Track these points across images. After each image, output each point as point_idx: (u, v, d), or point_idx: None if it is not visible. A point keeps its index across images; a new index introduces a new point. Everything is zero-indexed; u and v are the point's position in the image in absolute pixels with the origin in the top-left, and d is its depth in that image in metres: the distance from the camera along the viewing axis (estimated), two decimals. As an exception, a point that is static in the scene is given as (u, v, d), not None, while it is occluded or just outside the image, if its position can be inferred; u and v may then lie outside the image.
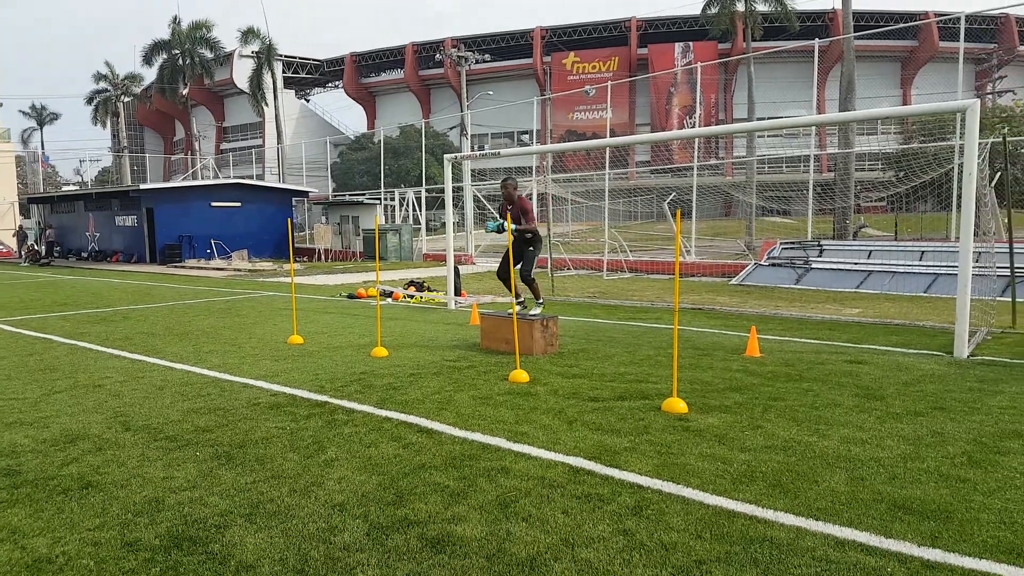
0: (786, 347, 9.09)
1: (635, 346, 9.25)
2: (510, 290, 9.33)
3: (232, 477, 4.66)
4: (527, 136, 61.98)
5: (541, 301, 9.26)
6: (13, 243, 39.59)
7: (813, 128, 27.73)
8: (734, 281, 17.90)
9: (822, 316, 11.89)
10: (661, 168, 39.75)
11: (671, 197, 25.70)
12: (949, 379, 7.19)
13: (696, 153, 25.38)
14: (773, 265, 18.01)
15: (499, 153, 14.92)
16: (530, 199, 30.22)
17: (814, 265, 17.31)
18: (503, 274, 9.42)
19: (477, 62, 50.87)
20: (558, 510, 4.02)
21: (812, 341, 9.55)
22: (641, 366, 7.93)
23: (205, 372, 7.95)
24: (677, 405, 5.99)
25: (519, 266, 9.33)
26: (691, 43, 58.76)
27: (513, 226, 8.96)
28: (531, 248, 9.27)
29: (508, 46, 64.33)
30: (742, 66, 48.42)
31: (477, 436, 5.40)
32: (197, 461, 4.97)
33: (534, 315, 8.71)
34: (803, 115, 37.82)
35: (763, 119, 30.88)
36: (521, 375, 7.22)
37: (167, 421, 5.98)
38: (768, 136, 42.26)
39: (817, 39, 26.42)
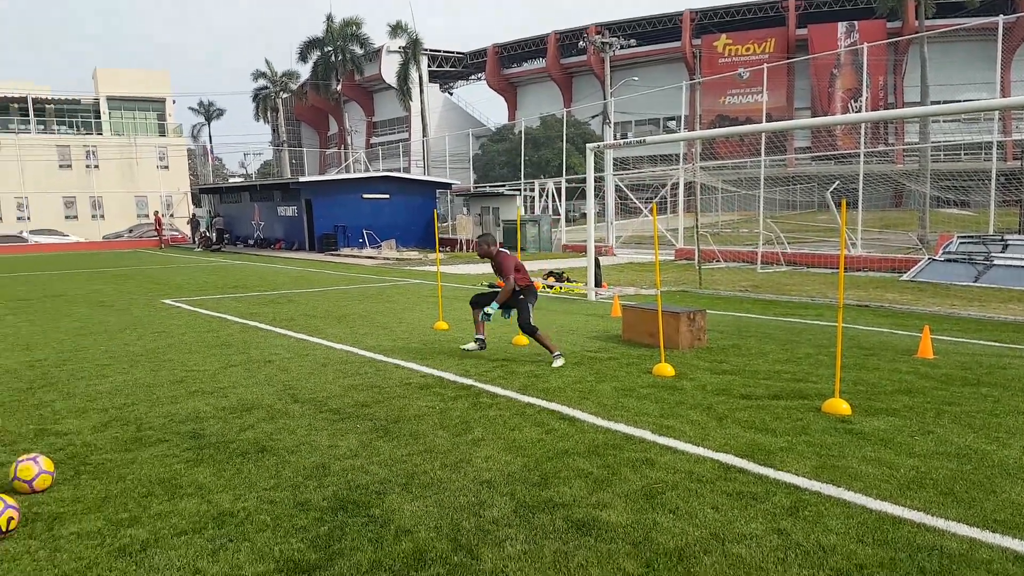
0: (963, 349, 8.36)
1: (793, 343, 8.83)
2: (475, 321, 8.34)
3: (389, 449, 4.93)
4: (673, 122, 60.59)
5: (558, 354, 7.71)
6: (187, 230, 43.37)
7: (996, 113, 25.23)
8: (905, 277, 16.65)
9: (1004, 317, 10.84)
10: (823, 155, 37.61)
11: (834, 186, 24.21)
12: None
13: (862, 139, 23.82)
14: (949, 260, 16.59)
15: (644, 141, 14.71)
16: (671, 201, 29.66)
17: (996, 262, 15.79)
18: (475, 302, 8.46)
19: (622, 47, 50.21)
20: (707, 505, 3.96)
21: (993, 344, 8.74)
22: (799, 364, 7.57)
23: (362, 352, 8.42)
24: (839, 406, 5.69)
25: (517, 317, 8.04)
26: (856, 22, 55.08)
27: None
28: (522, 297, 8.07)
29: (655, 30, 62.98)
30: (914, 46, 44.92)
31: (620, 427, 5.40)
32: (358, 433, 5.30)
33: (558, 365, 7.56)
34: (984, 98, 34.54)
35: (938, 103, 28.54)
36: (666, 368, 7.13)
37: (330, 395, 6.40)
38: (944, 121, 38.94)
39: (1001, 15, 24.04)
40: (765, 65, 31.49)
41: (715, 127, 52.75)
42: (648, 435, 5.19)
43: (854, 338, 9.10)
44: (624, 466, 4.56)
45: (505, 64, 75.02)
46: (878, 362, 7.67)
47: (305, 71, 63.43)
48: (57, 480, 4.35)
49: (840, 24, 55.98)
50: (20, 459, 4.26)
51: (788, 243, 22.71)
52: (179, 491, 4.22)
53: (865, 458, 4.66)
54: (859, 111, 46.64)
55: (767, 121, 31.12)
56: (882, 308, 12.10)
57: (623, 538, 3.57)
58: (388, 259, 27.00)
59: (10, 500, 3.65)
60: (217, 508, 3.98)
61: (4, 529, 3.56)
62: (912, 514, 3.76)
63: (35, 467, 4.20)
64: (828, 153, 36.83)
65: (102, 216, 48.87)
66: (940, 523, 3.65)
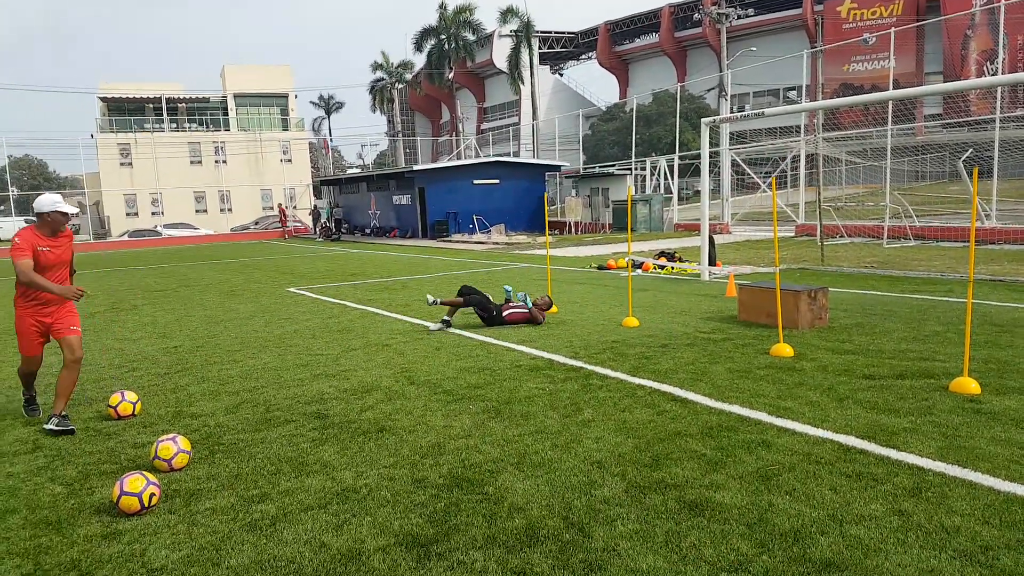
0: (1113, 326, 7.67)
1: (920, 321, 8.36)
2: (452, 305, 9.42)
3: (501, 429, 5.05)
4: (794, 93, 57.80)
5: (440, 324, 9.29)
6: (309, 221, 45.45)
7: None
8: (1044, 249, 15.38)
9: None
10: (955, 122, 34.92)
11: (967, 154, 22.47)
12: None
13: (998, 103, 21.97)
14: (1097, 230, 15.16)
15: (763, 113, 14.16)
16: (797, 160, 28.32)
17: None
18: (465, 292, 9.56)
19: (739, 17, 48.31)
20: (825, 487, 3.84)
21: None
22: (926, 343, 7.17)
23: (473, 336, 8.62)
24: (968, 385, 5.37)
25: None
26: (994, -22, 50.58)
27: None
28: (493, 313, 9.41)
29: (773, -2, 60.21)
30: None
31: (735, 408, 5.29)
32: (471, 413, 5.46)
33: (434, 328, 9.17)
34: None
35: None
36: (785, 349, 6.90)
37: (444, 377, 6.61)
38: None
39: None
40: (892, 29, 29.49)
41: (838, 96, 49.94)
42: (764, 417, 5.06)
43: (986, 315, 8.51)
44: (739, 448, 4.48)
45: (617, 41, 73.73)
46: (1012, 339, 7.14)
47: (419, 61, 64.91)
48: (193, 459, 4.72)
49: (976, -19, 51.54)
50: (160, 439, 4.62)
51: (917, 216, 21.33)
52: (305, 468, 4.49)
53: (994, 439, 4.38)
54: (995, 74, 42.89)
55: (894, 88, 29.22)
56: (1017, 283, 11.20)
57: (737, 519, 3.52)
58: (497, 244, 27.36)
59: (152, 477, 3.99)
60: (341, 484, 4.21)
61: (146, 504, 3.90)
62: (1048, 498, 3.52)
63: (174, 447, 4.52)
64: (960, 120, 34.13)
65: (230, 209, 52.00)
66: (1081, 510, 3.39)
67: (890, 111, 22.56)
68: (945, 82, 45.29)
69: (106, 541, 3.61)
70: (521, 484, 4.08)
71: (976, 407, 5.02)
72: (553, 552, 3.29)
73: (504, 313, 9.25)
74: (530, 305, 9.26)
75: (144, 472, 4.03)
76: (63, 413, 5.46)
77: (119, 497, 3.85)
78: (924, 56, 53.73)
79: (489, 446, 4.73)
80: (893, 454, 4.24)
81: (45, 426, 5.45)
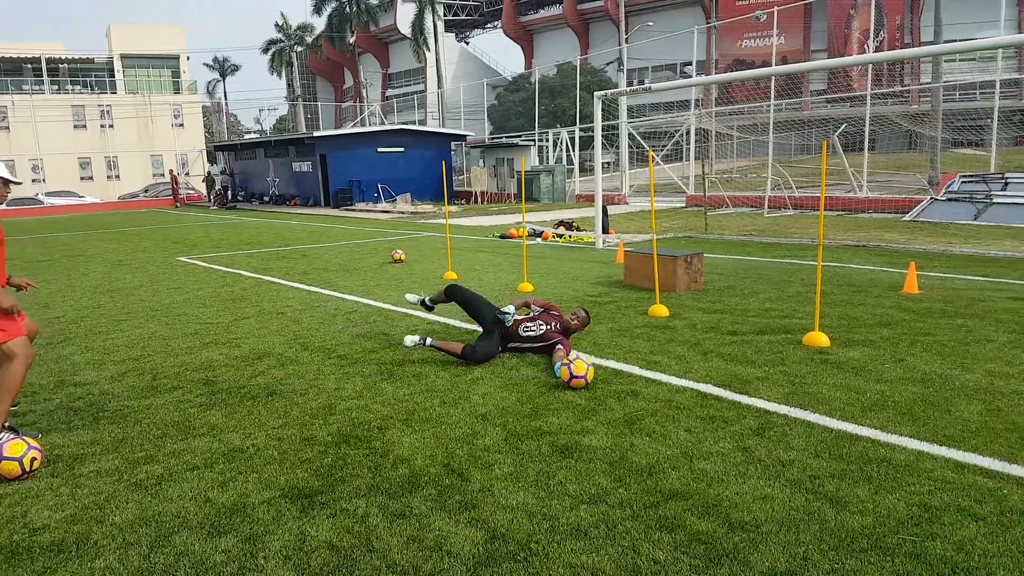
0: (948, 285, 8.58)
1: (785, 283, 9.06)
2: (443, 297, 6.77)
3: (392, 389, 5.25)
4: (691, 67, 59.53)
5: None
6: (203, 188, 43.71)
7: (1001, 52, 24.59)
8: (907, 217, 16.75)
9: (996, 253, 10.98)
10: (837, 97, 36.89)
11: (842, 128, 23.94)
12: None
13: (868, 81, 23.44)
14: (951, 200, 16.61)
15: (650, 88, 14.68)
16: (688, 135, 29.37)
17: (996, 200, 15.79)
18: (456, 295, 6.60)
19: (638, -8, 49.13)
20: (681, 428, 4.25)
21: (978, 279, 8.93)
22: (788, 303, 7.81)
23: (371, 303, 8.73)
24: (819, 339, 5.94)
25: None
26: (876, -41, 53.25)
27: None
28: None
29: (672, -27, 61.47)
30: (930, -18, 43.48)
31: (611, 363, 5.68)
32: (363, 376, 5.62)
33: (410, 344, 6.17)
34: (998, 36, 33.59)
35: (952, 41, 27.87)
36: (661, 310, 7.37)
37: (339, 343, 6.72)
38: (960, 60, 38.00)
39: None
40: (776, 8, 30.80)
41: (731, 71, 51.76)
42: (636, 370, 5.46)
43: (846, 276, 9.32)
44: (610, 397, 4.85)
45: (522, 11, 73.60)
46: (864, 298, 7.89)
47: (320, 24, 62.91)
48: (76, 425, 4.70)
49: (859, -39, 54.16)
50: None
51: (797, 188, 22.64)
52: (192, 432, 4.56)
53: (836, 385, 4.92)
54: (876, 51, 45.48)
55: (780, 64, 30.57)
56: (879, 247, 12.25)
57: (601, 459, 3.87)
58: (403, 213, 27.23)
59: (33, 442, 3.96)
60: (227, 446, 4.31)
61: (27, 469, 3.88)
62: (869, 432, 4.05)
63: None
64: (842, 95, 36.16)
65: (117, 176, 49.31)
66: (893, 439, 3.94)
67: (773, 87, 23.72)
68: (828, 59, 47.74)
69: (-15, 505, 3.60)
70: (408, 438, 4.30)
71: (824, 358, 5.59)
72: (432, 496, 3.54)
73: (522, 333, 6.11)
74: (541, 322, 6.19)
75: (25, 437, 4.01)
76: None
77: None
78: (811, 34, 56.29)
79: (379, 405, 4.92)
80: (744, 399, 4.71)
81: None
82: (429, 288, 9.56)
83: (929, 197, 17.64)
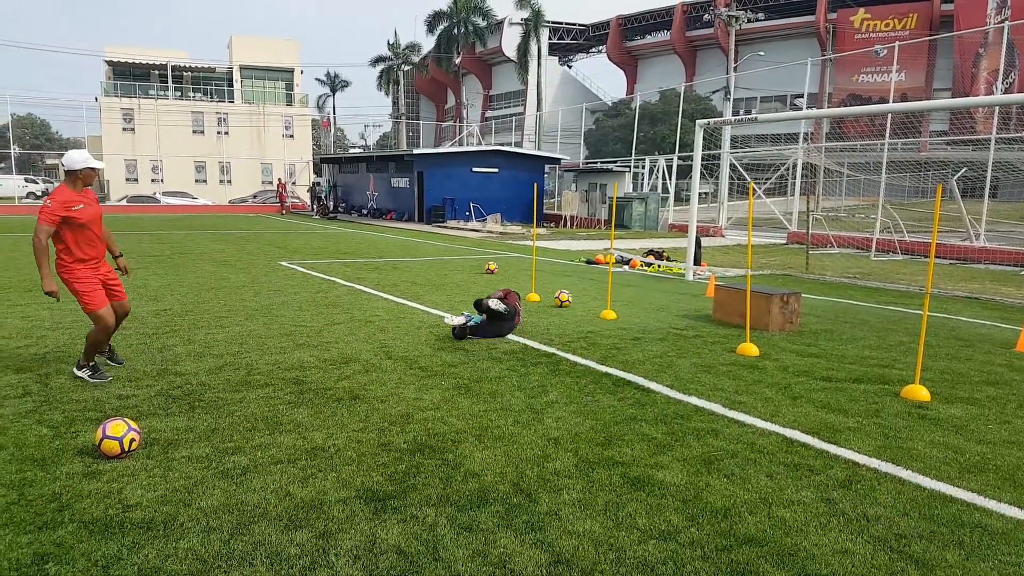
0: (1068, 346, 7.96)
1: (887, 331, 8.64)
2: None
3: (468, 404, 5.31)
4: (802, 100, 58.03)
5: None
6: (307, 198, 45.48)
7: None
8: (1026, 271, 15.72)
9: None
10: (958, 139, 35.10)
11: (961, 172, 22.74)
12: None
13: (995, 123, 22.21)
14: (1077, 256, 15.48)
15: (756, 119, 14.41)
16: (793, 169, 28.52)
17: None
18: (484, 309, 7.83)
19: (749, 21, 48.33)
20: (762, 473, 4.11)
21: (1104, 343, 8.25)
22: (889, 352, 7.45)
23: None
24: (918, 392, 5.64)
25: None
26: (1010, -2, 50.63)
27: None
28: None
29: (788, 3, 60.01)
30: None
31: (692, 400, 5.55)
32: (442, 389, 5.71)
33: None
34: None
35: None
36: (750, 348, 7.17)
37: (421, 355, 6.86)
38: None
39: None
40: (897, 43, 29.69)
41: (845, 106, 50.08)
42: (718, 408, 5.33)
43: (954, 329, 8.80)
44: (688, 434, 4.75)
45: (628, 36, 73.58)
46: (972, 353, 7.43)
47: (428, 44, 64.71)
48: (173, 412, 4.97)
49: (991, -1, 51.58)
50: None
51: (908, 232, 21.62)
52: (279, 427, 4.74)
53: (933, 442, 4.65)
54: (1005, 92, 43.11)
55: (899, 101, 29.38)
56: (993, 301, 11.51)
57: (674, 495, 3.79)
58: (492, 233, 27.56)
59: (133, 424, 4.22)
60: (311, 443, 4.47)
61: (126, 449, 4.14)
62: (965, 495, 3.80)
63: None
64: (964, 137, 34.39)
65: (229, 181, 52.04)
66: (991, 504, 3.69)
67: (889, 125, 22.82)
68: (952, 99, 45.56)
69: (86, 479, 3.85)
70: (480, 454, 4.34)
71: (922, 412, 5.29)
72: (500, 513, 3.56)
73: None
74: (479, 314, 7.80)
75: (126, 419, 4.27)
76: (93, 363, 5.77)
77: (101, 440, 4.09)
78: (935, 71, 53.82)
79: (455, 419, 4.98)
80: (832, 449, 4.51)
81: (77, 373, 5.73)
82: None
83: (1052, 252, 16.51)
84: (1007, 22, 46.29)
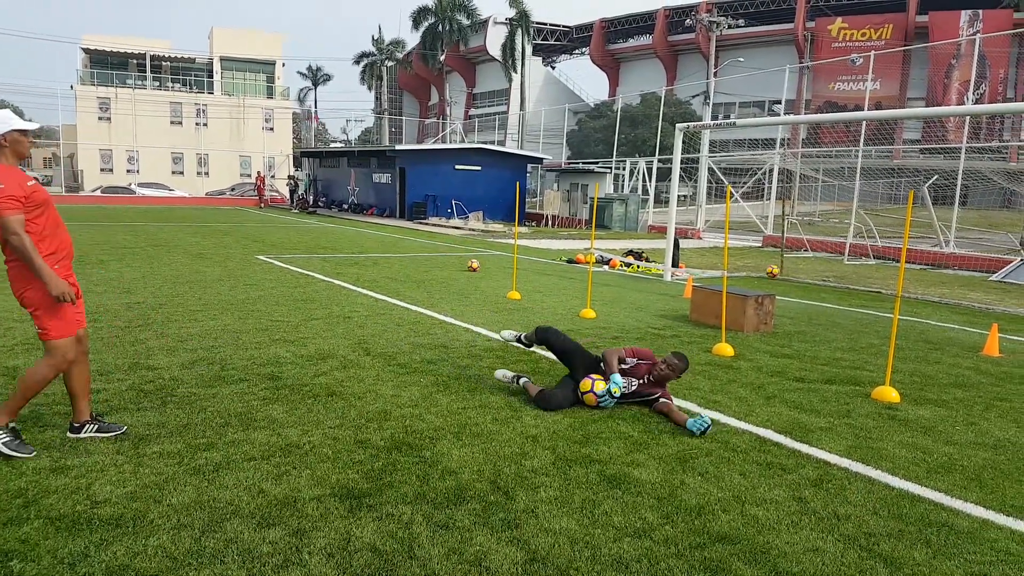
0: (1035, 350, 8.13)
1: (859, 333, 8.77)
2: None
3: (447, 402, 5.30)
4: (780, 106, 58.60)
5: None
6: (286, 192, 45.05)
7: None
8: (994, 277, 16.04)
9: (1095, 323, 10.36)
10: (931, 148, 35.64)
11: (932, 180, 23.13)
12: None
13: (965, 133, 22.58)
14: (1043, 262, 15.81)
15: (735, 123, 14.53)
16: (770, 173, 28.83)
17: (1097, 265, 14.95)
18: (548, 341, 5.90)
19: (730, 27, 48.70)
20: (736, 471, 4.15)
21: (1071, 347, 8.43)
22: (860, 353, 7.55)
23: (435, 315, 8.84)
24: (888, 394, 5.73)
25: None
26: (980, 11, 51.54)
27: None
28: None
29: (768, 10, 60.65)
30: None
31: (669, 397, 5.57)
32: (420, 386, 5.69)
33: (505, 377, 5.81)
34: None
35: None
36: (725, 348, 7.23)
37: (399, 351, 6.83)
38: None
39: None
40: (872, 52, 30.05)
41: (822, 113, 50.64)
42: (694, 407, 5.37)
43: (923, 332, 8.96)
44: (664, 433, 4.78)
45: (610, 39, 73.85)
46: (941, 356, 7.57)
47: (412, 40, 64.53)
48: (144, 407, 4.90)
49: (964, 12, 52.46)
50: None
51: (881, 237, 21.93)
52: (253, 424, 4.70)
53: (902, 442, 4.73)
54: (976, 103, 43.84)
55: (874, 109, 29.77)
56: (960, 305, 11.74)
57: (649, 493, 3.81)
58: (474, 230, 27.53)
59: None
60: (285, 440, 4.43)
61: None
62: (932, 494, 3.88)
63: None
64: (936, 146, 34.93)
65: (207, 173, 51.48)
66: (957, 504, 3.76)
67: (863, 132, 23.10)
68: (925, 108, 46.23)
69: (54, 474, 3.79)
70: (457, 451, 4.33)
71: (892, 414, 5.38)
72: (477, 511, 3.55)
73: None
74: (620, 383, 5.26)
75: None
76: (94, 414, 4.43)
77: None
78: (909, 81, 54.64)
79: (433, 416, 4.97)
80: (804, 448, 4.57)
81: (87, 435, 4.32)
82: (490, 305, 9.63)
83: (1020, 258, 16.84)
84: (979, 35, 47.19)
